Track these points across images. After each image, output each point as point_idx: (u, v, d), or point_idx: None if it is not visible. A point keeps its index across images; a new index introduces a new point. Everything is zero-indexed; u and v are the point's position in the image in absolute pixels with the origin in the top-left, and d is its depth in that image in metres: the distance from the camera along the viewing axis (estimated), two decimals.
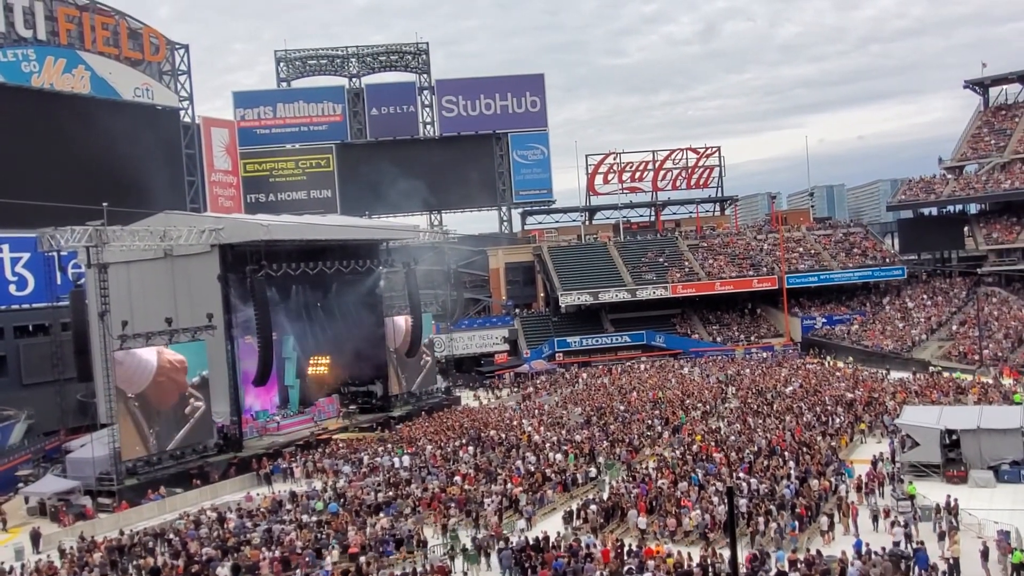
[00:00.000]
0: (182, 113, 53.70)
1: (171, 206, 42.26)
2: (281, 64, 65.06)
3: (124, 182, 41.61)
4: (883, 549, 16.90)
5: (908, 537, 18.01)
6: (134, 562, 21.10)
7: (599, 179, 65.44)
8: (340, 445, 33.71)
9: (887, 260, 53.43)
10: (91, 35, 46.96)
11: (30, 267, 41.39)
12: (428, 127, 65.42)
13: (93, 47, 47.16)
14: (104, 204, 30.34)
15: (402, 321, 42.09)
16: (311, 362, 41.80)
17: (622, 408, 34.11)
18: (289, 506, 25.28)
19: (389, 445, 32.47)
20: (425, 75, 65.86)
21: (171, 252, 34.31)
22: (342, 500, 24.97)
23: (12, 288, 41.40)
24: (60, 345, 36.22)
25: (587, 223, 66.97)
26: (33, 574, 20.71)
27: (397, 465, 28.82)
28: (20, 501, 29.37)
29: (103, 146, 44.18)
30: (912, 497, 19.85)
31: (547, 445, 28.45)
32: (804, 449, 24.40)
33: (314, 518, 23.55)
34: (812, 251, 54.66)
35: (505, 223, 68.67)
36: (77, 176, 42.83)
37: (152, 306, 34.72)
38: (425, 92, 65.63)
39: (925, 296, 50.02)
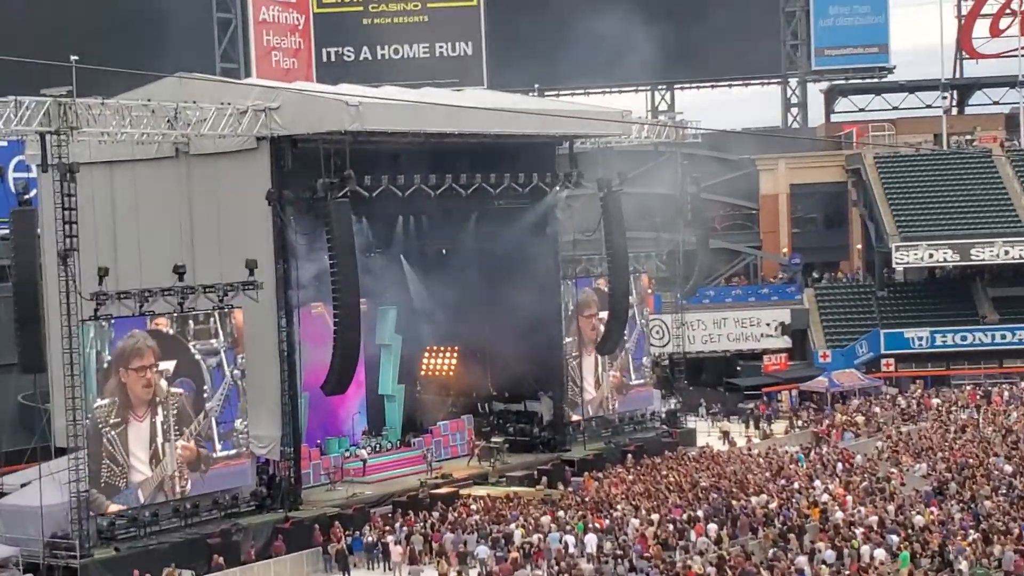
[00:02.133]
0: None
1: (189, 65, 40.92)
2: None
3: (112, 25, 41.87)
4: None
5: None
6: None
7: (982, 26, 62.85)
8: (474, 507, 33.96)
9: None
10: None
11: None
12: None
13: None
14: (72, 59, 30.23)
15: (593, 290, 42.66)
16: (427, 356, 43.10)
17: (1007, 469, 33.52)
18: None
19: (562, 512, 32.45)
20: None
21: (186, 148, 34.24)
22: None
23: None
24: None
25: (954, 111, 65.39)
26: None
27: (575, 549, 29.00)
28: None
29: None
30: None
31: (858, 531, 28.25)
32: None
33: None
34: None
35: (794, 110, 67.28)
36: (35, 15, 43.19)
37: (152, 244, 34.60)
38: None
39: None
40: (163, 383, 31.17)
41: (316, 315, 36.30)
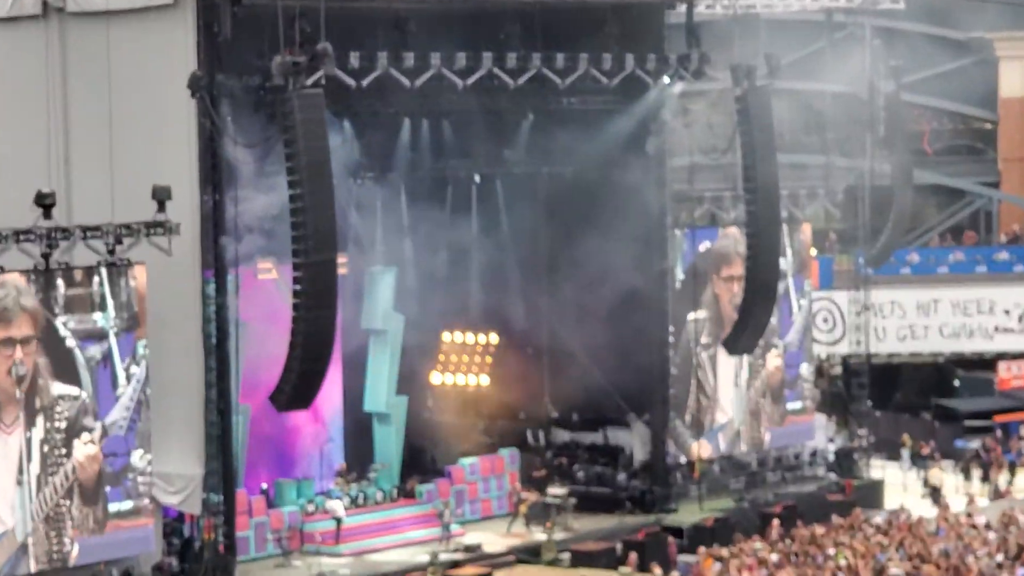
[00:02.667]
0: None
1: None
2: None
3: None
4: None
5: None
6: None
7: None
8: None
9: None
10: None
11: None
12: None
13: None
14: None
15: (722, 246, 43.42)
16: (444, 349, 44.05)
17: None
18: None
19: None
20: None
21: (60, 1, 35.04)
22: None
23: None
24: None
25: None
26: None
27: None
28: None
29: None
30: None
31: None
32: None
33: None
34: None
35: None
36: None
37: (9, 162, 35.28)
38: None
39: None
40: (46, 380, 31.50)
41: (266, 280, 37.33)
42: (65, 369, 31.82)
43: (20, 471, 31.04)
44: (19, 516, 31.13)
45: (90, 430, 32.24)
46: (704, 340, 42.69)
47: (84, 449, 32.24)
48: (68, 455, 31.81)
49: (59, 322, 31.43)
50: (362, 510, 38.83)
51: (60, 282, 31.36)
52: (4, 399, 30.79)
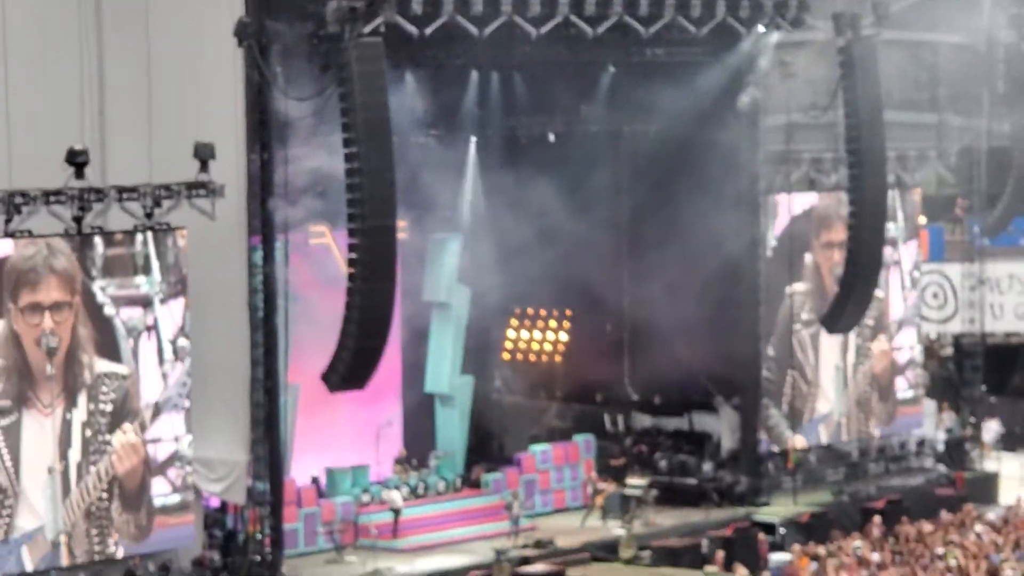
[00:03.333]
0: None
1: None
2: None
3: None
4: None
5: None
6: None
7: None
8: None
9: None
10: None
11: None
12: None
13: None
14: None
15: (823, 207, 43.42)
16: (514, 325, 44.87)
17: None
18: None
19: None
20: None
21: None
22: None
23: None
24: None
25: None
26: None
27: None
28: None
29: None
30: None
31: None
32: None
33: None
34: None
35: None
36: None
37: (31, 112, 33.80)
38: None
39: None
40: (89, 356, 31.05)
41: (318, 247, 37.92)
42: (106, 342, 31.65)
43: (61, 457, 30.96)
44: (54, 509, 31.18)
45: (135, 414, 32.15)
46: (805, 316, 42.55)
47: (128, 436, 32.22)
48: (111, 443, 31.72)
49: (97, 287, 31.18)
50: (422, 501, 39.05)
51: (98, 240, 31.13)
52: (37, 375, 30.56)
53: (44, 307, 30.79)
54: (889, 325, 44.64)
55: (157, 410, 32.52)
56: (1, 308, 30.38)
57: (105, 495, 31.93)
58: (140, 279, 31.70)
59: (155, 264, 31.82)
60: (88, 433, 31.39)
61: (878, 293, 42.74)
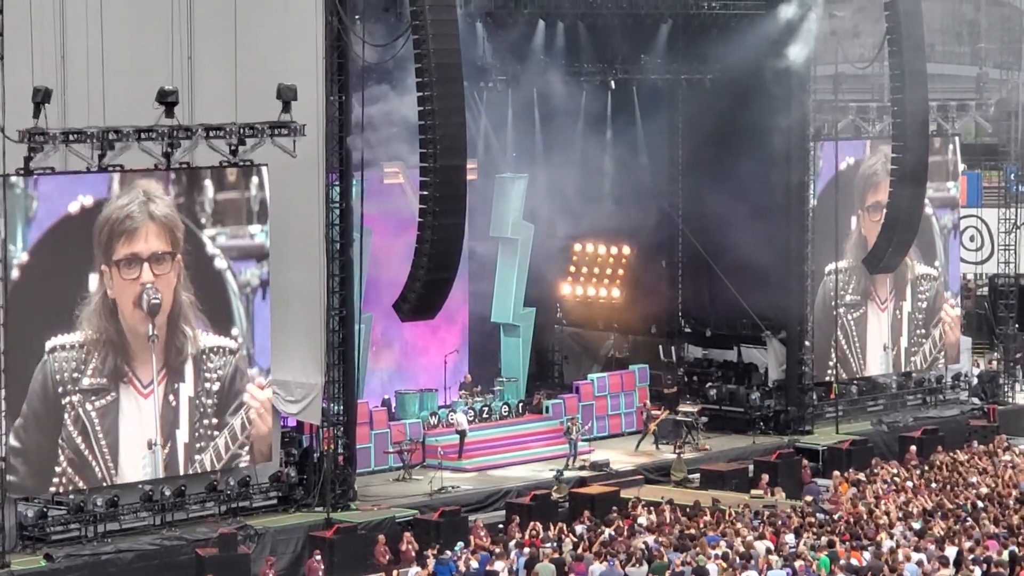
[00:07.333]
0: None
1: None
2: None
3: None
4: None
5: None
6: None
7: None
8: (643, 522, 33.80)
9: None
10: None
11: None
12: None
13: None
14: None
15: (868, 167, 43.35)
16: (575, 260, 44.66)
17: None
18: None
19: (792, 537, 31.99)
20: None
21: None
22: None
23: None
24: None
25: None
26: None
27: None
28: None
29: None
30: None
31: None
32: None
33: None
34: None
35: None
36: None
37: (123, 53, 33.90)
38: None
39: None
40: (190, 322, 30.55)
41: (392, 185, 37.66)
42: (216, 303, 31.36)
43: (161, 440, 30.69)
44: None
45: (244, 394, 31.96)
46: (831, 266, 42.17)
47: (242, 420, 32.12)
48: (222, 426, 31.54)
49: (206, 236, 30.96)
50: (486, 424, 39.34)
51: (208, 183, 31.09)
52: (135, 346, 30.20)
53: (143, 259, 30.18)
54: (934, 270, 44.59)
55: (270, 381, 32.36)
56: (94, 267, 29.81)
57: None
58: (255, 228, 31.79)
59: (270, 210, 31.81)
60: (195, 418, 30.96)
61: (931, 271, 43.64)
